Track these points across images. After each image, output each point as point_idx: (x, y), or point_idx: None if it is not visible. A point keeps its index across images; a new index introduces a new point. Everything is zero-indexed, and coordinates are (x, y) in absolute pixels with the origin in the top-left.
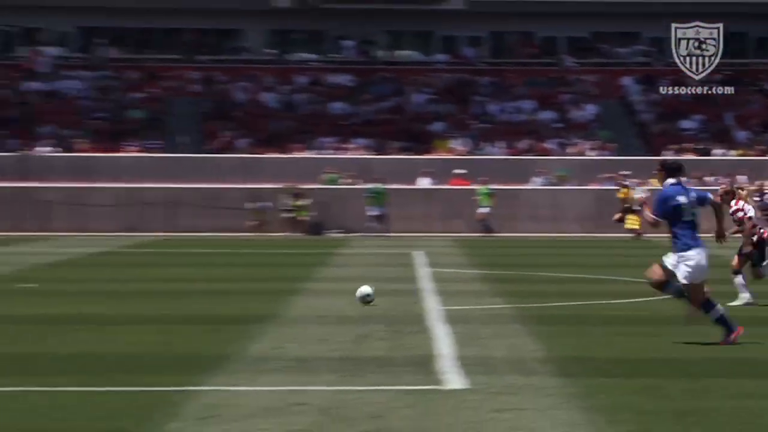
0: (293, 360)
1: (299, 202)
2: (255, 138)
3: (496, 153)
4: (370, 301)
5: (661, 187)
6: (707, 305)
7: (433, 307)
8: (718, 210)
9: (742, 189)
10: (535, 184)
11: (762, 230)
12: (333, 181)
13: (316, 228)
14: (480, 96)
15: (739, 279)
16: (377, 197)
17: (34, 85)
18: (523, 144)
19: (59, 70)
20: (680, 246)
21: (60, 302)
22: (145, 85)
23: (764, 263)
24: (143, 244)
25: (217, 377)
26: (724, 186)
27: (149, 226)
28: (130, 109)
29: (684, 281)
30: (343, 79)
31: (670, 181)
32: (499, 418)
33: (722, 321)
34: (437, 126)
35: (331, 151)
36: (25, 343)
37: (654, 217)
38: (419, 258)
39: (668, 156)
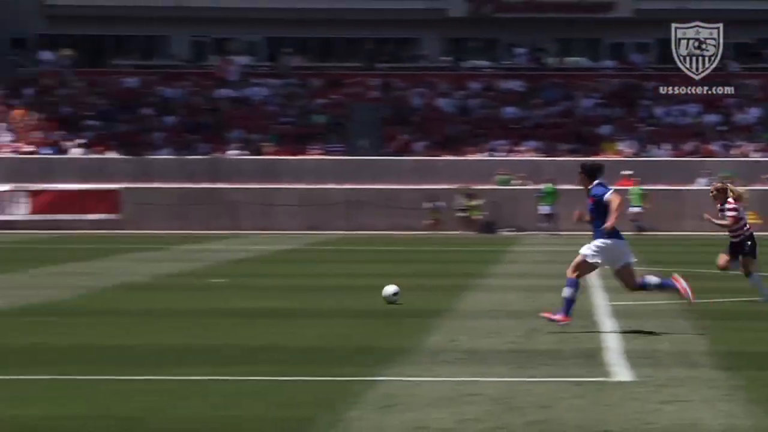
0: (467, 352)
1: (473, 202)
2: (431, 141)
3: (661, 155)
4: (395, 301)
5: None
6: (575, 283)
7: (600, 302)
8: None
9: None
10: (700, 184)
11: (747, 227)
12: (505, 182)
13: (488, 226)
14: (646, 100)
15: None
16: (548, 197)
17: (225, 93)
18: (688, 146)
19: (248, 78)
20: (598, 235)
21: (248, 296)
22: (327, 91)
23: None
24: (325, 242)
25: (395, 368)
26: (715, 184)
27: (331, 224)
28: (313, 114)
29: (589, 259)
30: (514, 84)
31: (595, 182)
32: (664, 409)
33: (568, 303)
34: (605, 129)
35: (503, 154)
36: (216, 335)
37: (613, 219)
38: None
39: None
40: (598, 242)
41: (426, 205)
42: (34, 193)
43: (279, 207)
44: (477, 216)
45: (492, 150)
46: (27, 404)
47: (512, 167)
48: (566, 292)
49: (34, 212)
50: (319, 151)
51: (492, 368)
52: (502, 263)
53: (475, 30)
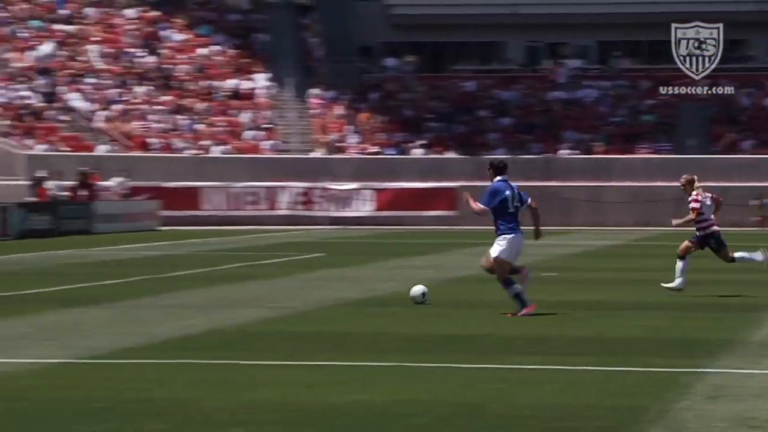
0: None
1: None
2: (759, 140)
3: None
4: (424, 302)
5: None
6: (507, 282)
7: None
8: (535, 212)
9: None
10: None
11: (713, 226)
12: None
13: None
14: None
15: (680, 264)
16: None
17: (557, 95)
18: None
19: (579, 81)
20: (501, 231)
21: (577, 289)
22: (656, 92)
23: (755, 254)
24: (652, 237)
25: (723, 360)
26: (686, 176)
27: (661, 220)
28: (642, 114)
29: (494, 254)
30: None
31: (498, 178)
32: None
33: (518, 297)
34: None
35: None
36: (546, 326)
37: (481, 207)
38: None
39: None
40: (500, 239)
41: (753, 202)
42: (379, 191)
43: (609, 203)
44: None
45: None
46: (371, 389)
47: None
48: (509, 292)
49: (378, 209)
50: (648, 150)
51: None
52: None
53: None
